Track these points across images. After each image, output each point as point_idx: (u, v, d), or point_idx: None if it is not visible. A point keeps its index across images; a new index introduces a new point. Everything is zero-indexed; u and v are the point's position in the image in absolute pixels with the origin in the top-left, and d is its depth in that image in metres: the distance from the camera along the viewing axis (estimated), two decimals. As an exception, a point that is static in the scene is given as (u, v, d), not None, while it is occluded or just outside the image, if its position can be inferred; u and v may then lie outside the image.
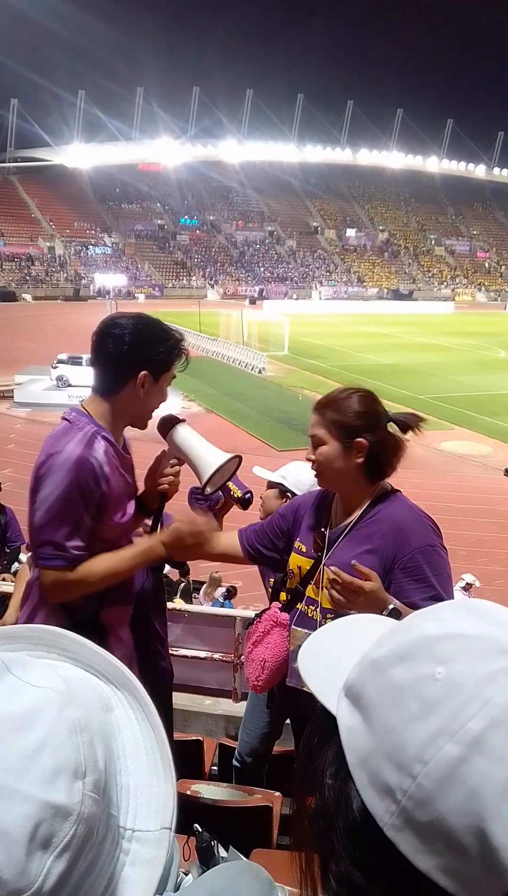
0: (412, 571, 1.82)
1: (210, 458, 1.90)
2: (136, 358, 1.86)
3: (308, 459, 1.94)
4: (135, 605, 2.36)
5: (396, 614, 1.74)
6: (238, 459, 1.96)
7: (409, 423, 1.93)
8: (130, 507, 1.97)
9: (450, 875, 0.47)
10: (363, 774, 0.51)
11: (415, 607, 1.79)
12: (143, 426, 1.96)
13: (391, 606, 1.73)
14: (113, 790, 0.62)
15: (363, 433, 1.86)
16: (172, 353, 1.93)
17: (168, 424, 1.94)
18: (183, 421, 1.97)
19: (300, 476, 2.73)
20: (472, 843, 0.45)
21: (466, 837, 0.46)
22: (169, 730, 2.80)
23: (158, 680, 2.64)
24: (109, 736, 0.63)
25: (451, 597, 1.86)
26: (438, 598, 1.79)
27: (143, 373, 1.86)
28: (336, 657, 0.58)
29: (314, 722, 0.58)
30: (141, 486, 2.06)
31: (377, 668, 0.53)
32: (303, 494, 2.26)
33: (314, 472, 1.95)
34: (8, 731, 0.55)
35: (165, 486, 1.97)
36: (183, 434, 1.93)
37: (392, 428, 1.92)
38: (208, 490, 1.91)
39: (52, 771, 0.55)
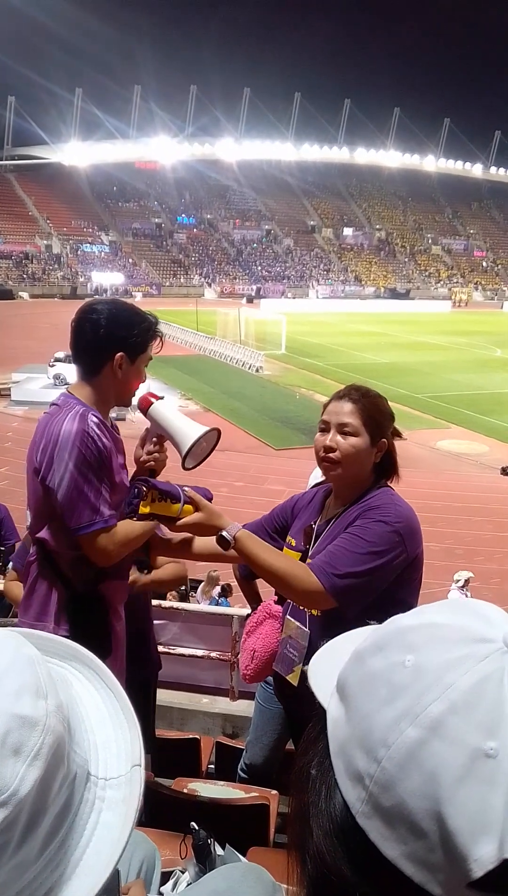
0: (349, 526, 1.84)
1: (188, 430, 1.88)
2: (112, 341, 1.96)
3: (327, 447, 1.90)
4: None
5: (223, 542, 1.78)
6: (217, 432, 1.94)
7: (396, 433, 2.00)
8: (126, 483, 2.02)
9: (415, 862, 0.47)
10: (341, 763, 0.52)
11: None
12: (126, 404, 2.08)
13: (223, 532, 1.78)
14: (79, 740, 0.65)
15: (386, 434, 1.93)
16: (146, 334, 2.01)
17: (146, 402, 1.94)
18: (161, 398, 1.97)
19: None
20: (431, 828, 0.46)
21: (426, 821, 0.46)
22: (151, 723, 2.80)
23: (148, 669, 2.70)
24: (70, 700, 0.66)
25: (350, 559, 1.77)
26: (334, 550, 1.79)
27: (119, 354, 1.95)
28: (342, 656, 0.59)
29: (314, 719, 0.59)
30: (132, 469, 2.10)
31: (358, 659, 0.54)
32: (301, 492, 2.26)
33: (327, 460, 1.91)
34: None
35: (151, 462, 1.98)
36: (160, 410, 1.92)
37: None
38: (189, 465, 1.87)
39: (16, 689, 0.59)
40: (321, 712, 0.58)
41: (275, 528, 2.16)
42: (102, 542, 1.90)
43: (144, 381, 2.05)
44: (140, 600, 2.58)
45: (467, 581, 9.05)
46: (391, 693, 0.49)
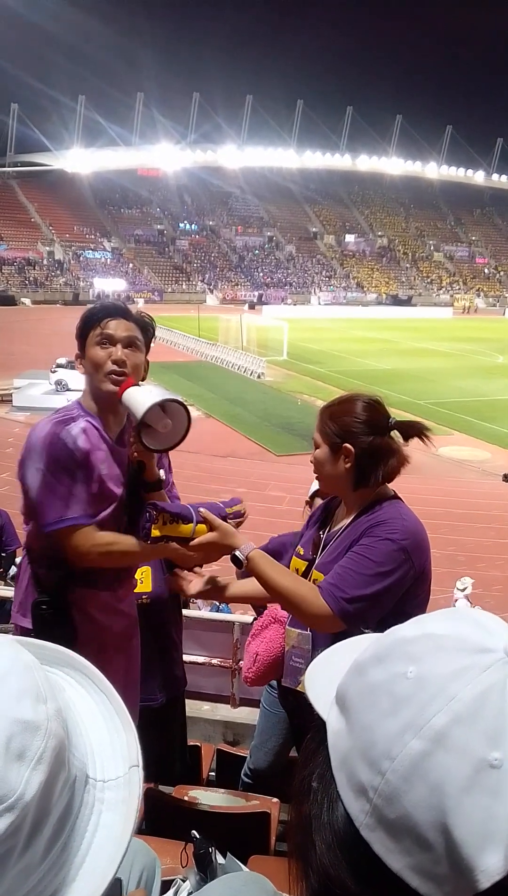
0: (354, 547, 1.82)
1: (143, 400, 1.81)
2: (78, 340, 1.99)
3: (311, 461, 1.97)
4: (153, 613, 2.39)
5: (236, 561, 1.79)
6: (183, 409, 1.87)
7: (410, 431, 1.90)
8: (118, 492, 1.99)
9: (420, 874, 0.46)
10: (343, 775, 0.52)
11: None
12: (111, 408, 1.97)
13: (236, 552, 1.79)
14: (77, 743, 0.65)
15: (350, 439, 1.85)
16: (85, 323, 1.97)
17: (120, 391, 1.90)
18: (139, 385, 1.93)
19: None
20: (437, 839, 0.45)
21: (431, 833, 0.45)
22: (183, 736, 2.80)
23: (174, 688, 2.65)
24: (64, 704, 0.65)
25: (359, 580, 1.75)
26: (343, 573, 1.77)
27: (77, 352, 1.99)
28: (339, 667, 0.58)
29: (313, 730, 0.58)
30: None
31: (359, 671, 0.54)
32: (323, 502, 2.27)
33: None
34: None
35: (135, 453, 1.99)
36: (130, 392, 1.87)
37: (396, 436, 1.90)
38: (149, 443, 1.82)
39: (16, 694, 0.59)
40: (319, 724, 0.57)
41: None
42: (75, 540, 1.88)
43: (100, 371, 1.91)
44: (167, 617, 2.55)
45: (465, 587, 9.04)
46: (393, 705, 0.49)
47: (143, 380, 2.03)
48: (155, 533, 1.80)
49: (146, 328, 2.07)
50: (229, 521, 1.86)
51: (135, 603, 2.22)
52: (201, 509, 1.82)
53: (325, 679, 0.60)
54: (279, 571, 1.81)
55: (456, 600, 9.22)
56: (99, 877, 0.61)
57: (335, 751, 0.53)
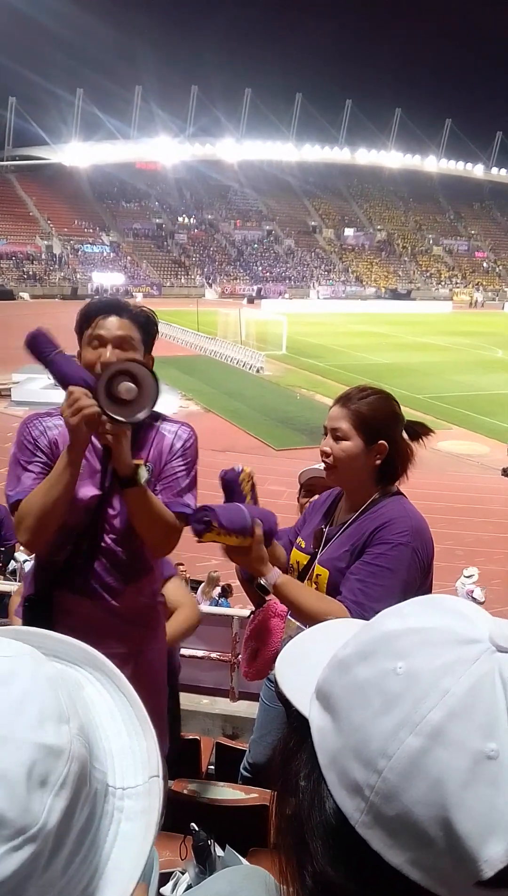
0: (365, 556, 1.81)
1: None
2: (77, 336, 1.99)
3: (323, 451, 1.91)
4: None
5: (261, 588, 1.77)
6: (151, 374, 1.71)
7: (419, 431, 1.93)
8: (86, 491, 1.93)
9: (421, 868, 0.47)
10: (334, 774, 0.51)
11: (341, 590, 1.82)
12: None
13: (262, 581, 1.77)
14: (98, 754, 0.63)
15: (385, 436, 1.86)
16: (80, 322, 1.95)
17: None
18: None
19: None
20: (439, 834, 0.46)
21: (432, 829, 0.46)
22: (177, 728, 2.79)
23: (170, 679, 2.65)
24: (84, 708, 0.64)
25: (383, 593, 1.74)
26: (366, 588, 1.76)
27: (78, 349, 1.98)
28: (313, 660, 0.58)
29: (289, 725, 0.58)
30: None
31: (342, 668, 0.53)
32: (321, 494, 2.25)
33: (325, 465, 1.93)
34: None
35: (106, 436, 1.80)
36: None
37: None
38: (115, 415, 1.67)
39: (38, 717, 0.56)
40: (297, 720, 0.57)
41: (296, 533, 2.17)
42: (18, 514, 1.89)
43: (89, 369, 1.86)
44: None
45: (475, 577, 9.20)
46: (385, 702, 0.49)
47: None
48: (207, 538, 1.73)
49: (146, 325, 1.94)
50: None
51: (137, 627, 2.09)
52: (257, 526, 1.74)
53: (299, 673, 0.59)
54: (306, 594, 1.81)
55: (471, 591, 9.30)
56: (121, 888, 0.61)
57: (323, 749, 0.53)
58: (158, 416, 2.01)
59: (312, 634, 0.66)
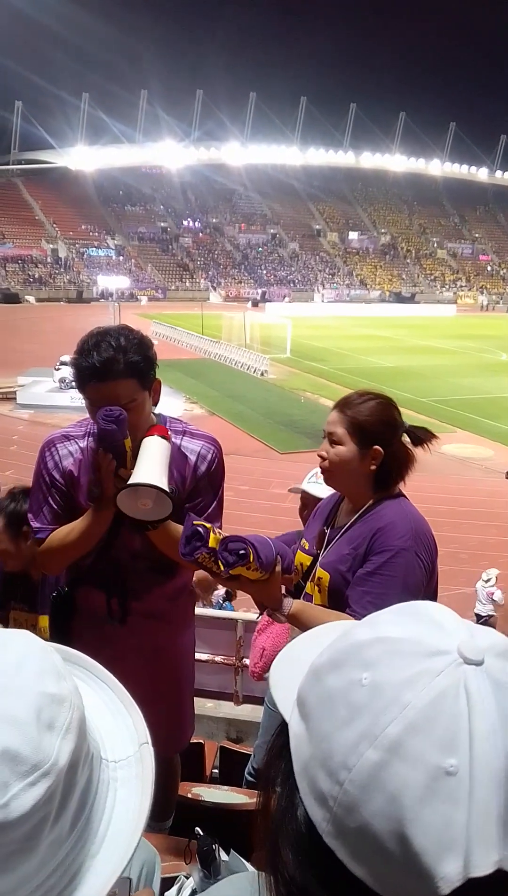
0: (368, 564, 1.80)
1: (150, 467, 1.76)
2: None
3: (320, 456, 1.92)
4: None
5: (275, 617, 1.74)
6: (170, 505, 1.74)
7: (422, 437, 1.92)
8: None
9: (382, 882, 0.46)
10: (305, 782, 0.51)
11: (349, 602, 1.80)
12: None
13: (277, 613, 1.71)
14: (90, 731, 0.66)
15: (380, 441, 1.86)
16: (75, 381, 1.84)
17: (153, 431, 1.88)
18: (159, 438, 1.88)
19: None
20: (396, 849, 0.45)
21: (390, 843, 0.45)
22: None
23: None
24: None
25: (392, 602, 1.75)
26: (374, 599, 1.75)
27: None
28: (302, 666, 0.57)
29: (276, 731, 0.59)
30: None
31: (316, 676, 0.53)
32: (327, 497, 2.26)
33: (321, 469, 1.93)
34: None
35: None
36: (148, 443, 1.83)
37: (404, 439, 1.91)
38: (120, 506, 1.75)
39: (38, 672, 0.61)
40: (282, 726, 0.57)
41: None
42: (40, 551, 1.98)
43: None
44: None
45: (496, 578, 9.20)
46: (349, 714, 0.49)
47: (154, 404, 1.92)
48: (236, 571, 1.60)
49: (139, 365, 1.79)
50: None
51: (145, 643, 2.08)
52: (278, 563, 1.67)
53: (288, 679, 0.59)
54: (321, 618, 1.76)
55: (492, 594, 9.30)
56: (122, 850, 0.63)
57: (297, 757, 0.53)
58: (182, 429, 2.00)
59: (304, 639, 0.66)
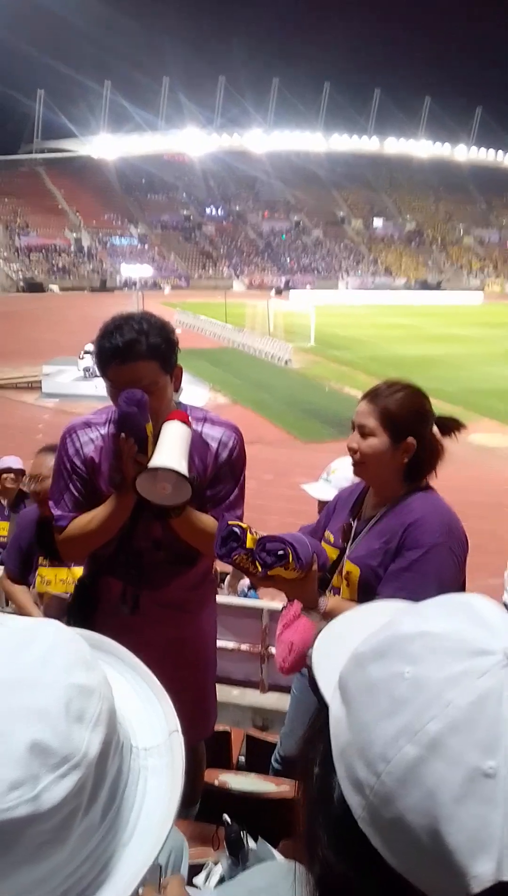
0: (401, 560, 1.79)
1: (171, 449, 1.75)
2: None
3: (350, 448, 1.89)
4: None
5: (309, 615, 1.72)
6: (191, 491, 1.74)
7: (451, 426, 1.90)
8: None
9: (414, 873, 0.47)
10: (342, 767, 0.52)
11: (383, 597, 1.77)
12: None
13: (313, 612, 1.70)
14: (120, 719, 0.67)
15: (413, 433, 1.84)
16: (97, 364, 1.86)
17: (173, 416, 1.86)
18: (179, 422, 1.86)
19: (344, 478, 2.64)
20: (430, 844, 0.45)
21: (424, 837, 0.46)
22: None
23: None
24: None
25: (422, 598, 1.72)
26: (409, 596, 1.73)
27: None
28: (347, 646, 0.58)
29: (317, 711, 0.59)
30: None
31: (359, 664, 0.54)
32: (345, 487, 2.24)
33: (352, 460, 1.91)
34: (18, 643, 0.62)
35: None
36: (169, 427, 1.81)
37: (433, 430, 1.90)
38: (139, 489, 1.74)
39: (66, 664, 0.61)
40: (323, 706, 0.57)
41: (324, 525, 2.16)
42: (61, 538, 1.98)
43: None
44: None
45: None
46: (391, 706, 0.49)
47: (176, 390, 1.92)
48: (274, 571, 1.57)
49: (161, 349, 1.80)
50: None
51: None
52: (314, 561, 1.65)
53: (331, 659, 0.60)
54: None
55: None
56: (154, 839, 0.63)
57: (336, 741, 0.53)
58: (202, 416, 1.99)
59: (349, 617, 0.67)
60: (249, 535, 1.55)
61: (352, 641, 0.57)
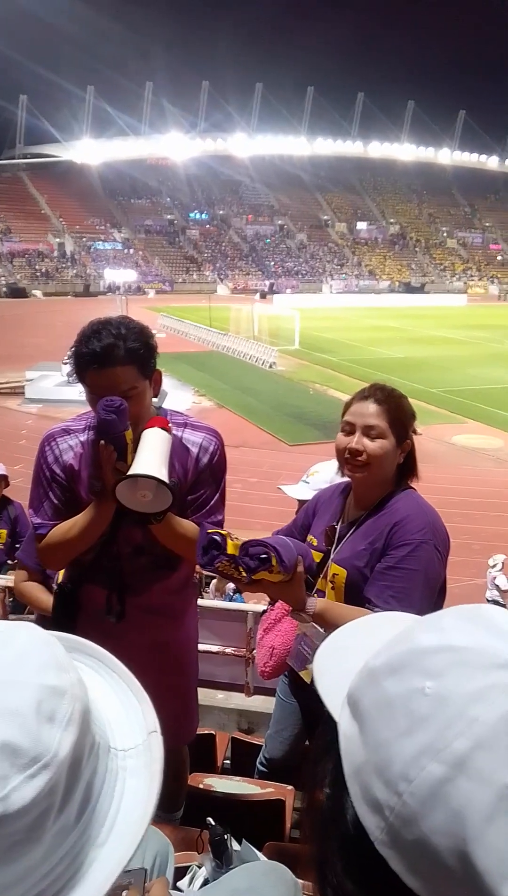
0: (388, 559, 1.81)
1: (150, 457, 1.73)
2: None
3: (353, 450, 1.88)
4: None
5: (299, 618, 1.72)
6: (171, 498, 1.72)
7: (416, 430, 1.99)
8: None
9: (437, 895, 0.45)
10: (357, 787, 0.50)
11: (368, 596, 1.80)
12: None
13: (302, 613, 1.70)
14: (95, 717, 0.67)
15: (409, 435, 1.92)
16: (75, 371, 1.83)
17: (153, 423, 1.83)
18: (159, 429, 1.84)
19: (323, 480, 2.66)
20: (457, 867, 0.43)
21: (450, 860, 0.44)
22: None
23: None
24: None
25: (413, 596, 1.74)
26: (396, 594, 1.76)
27: None
28: (351, 659, 0.56)
29: (323, 725, 0.57)
30: None
31: (372, 679, 0.51)
32: (323, 489, 2.25)
33: (354, 463, 1.89)
34: None
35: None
36: (148, 435, 1.79)
37: None
38: (118, 497, 1.73)
39: (39, 665, 0.62)
40: (329, 719, 0.56)
41: (300, 531, 2.16)
42: (41, 546, 1.97)
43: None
44: None
45: (503, 563, 9.27)
46: (410, 724, 0.47)
47: (155, 395, 1.91)
48: (259, 575, 1.57)
49: (139, 352, 1.79)
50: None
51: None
52: (299, 563, 1.65)
53: (336, 672, 0.58)
54: (348, 615, 1.75)
55: (494, 578, 9.31)
56: (130, 839, 0.63)
57: (348, 759, 0.51)
58: (183, 422, 1.99)
59: (351, 629, 0.65)
60: (229, 542, 1.55)
61: (357, 655, 0.55)
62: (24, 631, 0.65)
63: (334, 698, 0.56)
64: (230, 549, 1.54)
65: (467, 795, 0.43)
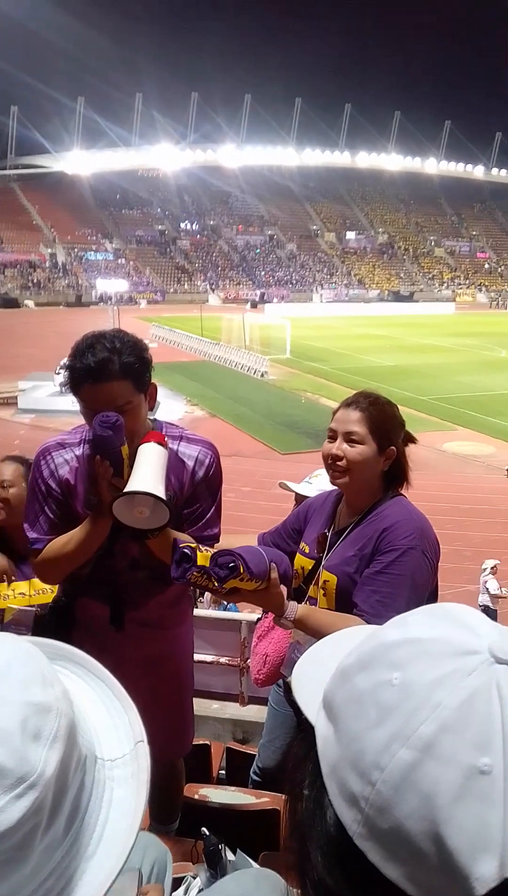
0: (376, 564, 1.81)
1: (147, 473, 1.72)
2: None
3: (333, 455, 1.90)
4: None
5: (281, 624, 1.73)
6: (168, 516, 1.71)
7: (409, 438, 1.98)
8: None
9: (416, 883, 0.46)
10: (334, 784, 0.51)
11: (356, 601, 1.81)
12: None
13: (282, 620, 1.71)
14: (83, 727, 0.67)
15: (394, 442, 1.90)
16: (69, 386, 1.80)
17: (150, 437, 1.82)
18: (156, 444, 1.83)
19: (327, 483, 2.68)
20: (431, 849, 0.45)
21: (424, 843, 0.45)
22: None
23: None
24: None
25: (400, 601, 1.74)
26: (383, 598, 1.76)
27: None
28: (325, 669, 0.57)
29: (302, 733, 0.58)
30: None
31: (344, 678, 0.53)
32: (315, 495, 2.26)
33: (335, 468, 1.91)
34: None
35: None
36: (144, 449, 1.78)
37: None
38: (115, 512, 1.71)
39: (24, 680, 0.60)
40: (308, 728, 0.57)
41: (289, 534, 2.17)
42: (37, 561, 1.95)
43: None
44: None
45: (494, 568, 9.29)
46: (379, 714, 0.48)
47: (151, 409, 1.90)
48: (230, 584, 1.59)
49: (133, 366, 1.76)
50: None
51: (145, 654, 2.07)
52: (273, 570, 1.64)
53: (313, 682, 0.59)
54: (329, 620, 1.76)
55: (486, 581, 9.36)
56: (119, 850, 0.63)
57: (325, 758, 0.53)
58: (179, 435, 1.98)
59: (328, 642, 0.66)
60: (199, 554, 1.58)
61: (331, 661, 0.56)
62: (6, 644, 0.64)
63: (310, 705, 0.57)
64: (201, 561, 1.57)
65: (435, 778, 0.45)
